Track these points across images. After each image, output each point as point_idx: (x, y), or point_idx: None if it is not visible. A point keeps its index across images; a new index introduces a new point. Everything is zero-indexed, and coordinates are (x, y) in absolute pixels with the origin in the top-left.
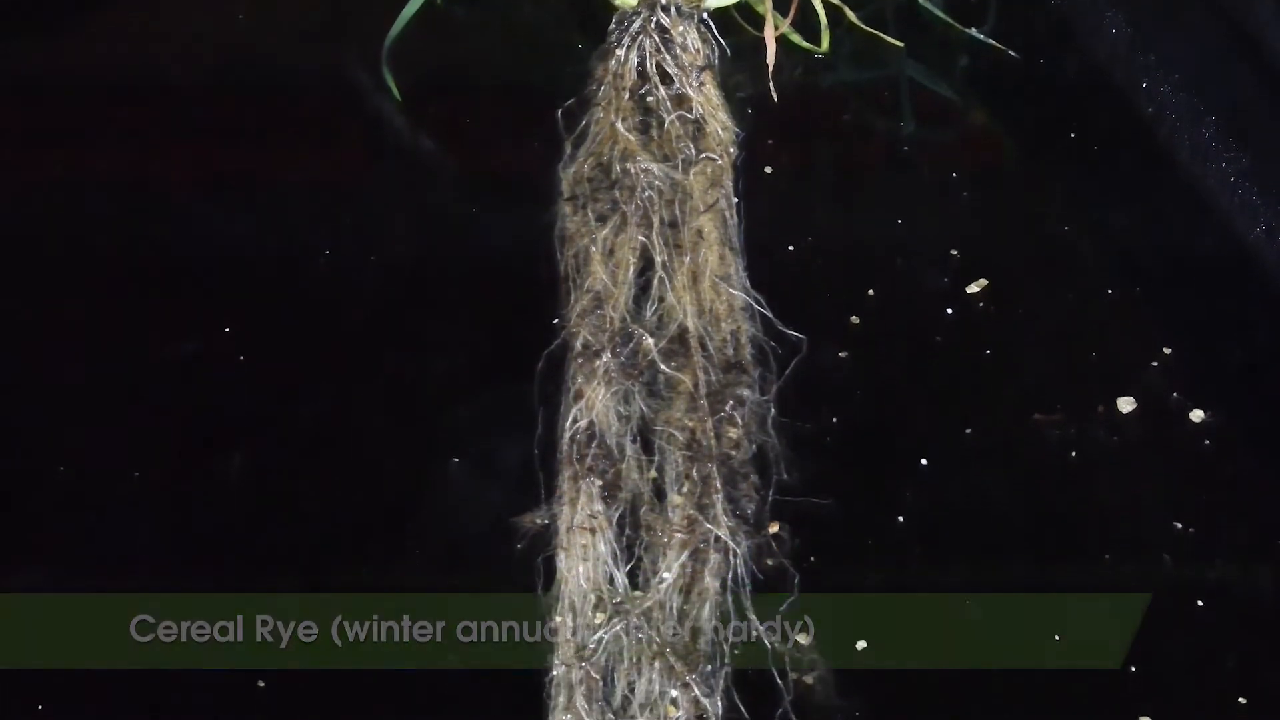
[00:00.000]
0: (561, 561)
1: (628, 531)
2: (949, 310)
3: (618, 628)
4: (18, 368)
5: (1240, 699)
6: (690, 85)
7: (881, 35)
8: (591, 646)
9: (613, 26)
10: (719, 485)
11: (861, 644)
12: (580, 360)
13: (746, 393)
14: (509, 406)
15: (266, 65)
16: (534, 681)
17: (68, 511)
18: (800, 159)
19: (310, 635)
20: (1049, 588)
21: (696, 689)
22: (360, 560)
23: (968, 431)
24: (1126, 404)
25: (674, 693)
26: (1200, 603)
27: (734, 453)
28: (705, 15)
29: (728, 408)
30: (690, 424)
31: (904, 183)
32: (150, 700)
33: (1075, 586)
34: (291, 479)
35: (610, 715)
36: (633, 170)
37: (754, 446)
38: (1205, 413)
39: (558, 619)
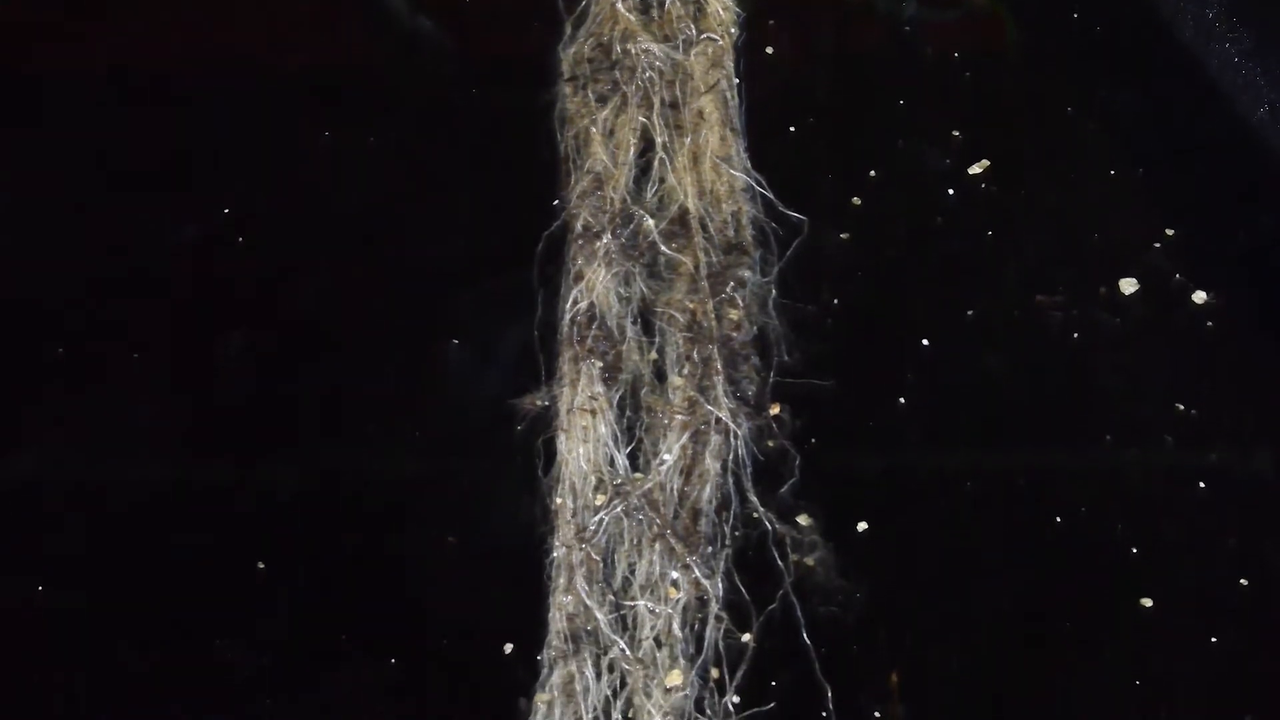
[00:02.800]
0: (562, 443)
1: (628, 413)
2: (950, 191)
3: (618, 509)
4: (21, 251)
5: (1242, 580)
6: None
7: None
8: (592, 528)
9: None
10: (720, 367)
11: (862, 525)
12: (580, 242)
13: (747, 274)
14: (508, 288)
15: None
16: (535, 563)
17: (68, 392)
18: (802, 40)
19: (309, 519)
20: (1049, 469)
21: (697, 570)
22: (360, 443)
23: (969, 313)
24: (1129, 285)
25: (674, 574)
26: (1202, 485)
27: (735, 334)
28: None
29: (729, 289)
30: (691, 305)
31: (906, 64)
32: (150, 580)
33: (1076, 468)
34: (291, 362)
35: (611, 597)
36: (633, 51)
37: (755, 328)
38: (1207, 294)
39: (558, 500)
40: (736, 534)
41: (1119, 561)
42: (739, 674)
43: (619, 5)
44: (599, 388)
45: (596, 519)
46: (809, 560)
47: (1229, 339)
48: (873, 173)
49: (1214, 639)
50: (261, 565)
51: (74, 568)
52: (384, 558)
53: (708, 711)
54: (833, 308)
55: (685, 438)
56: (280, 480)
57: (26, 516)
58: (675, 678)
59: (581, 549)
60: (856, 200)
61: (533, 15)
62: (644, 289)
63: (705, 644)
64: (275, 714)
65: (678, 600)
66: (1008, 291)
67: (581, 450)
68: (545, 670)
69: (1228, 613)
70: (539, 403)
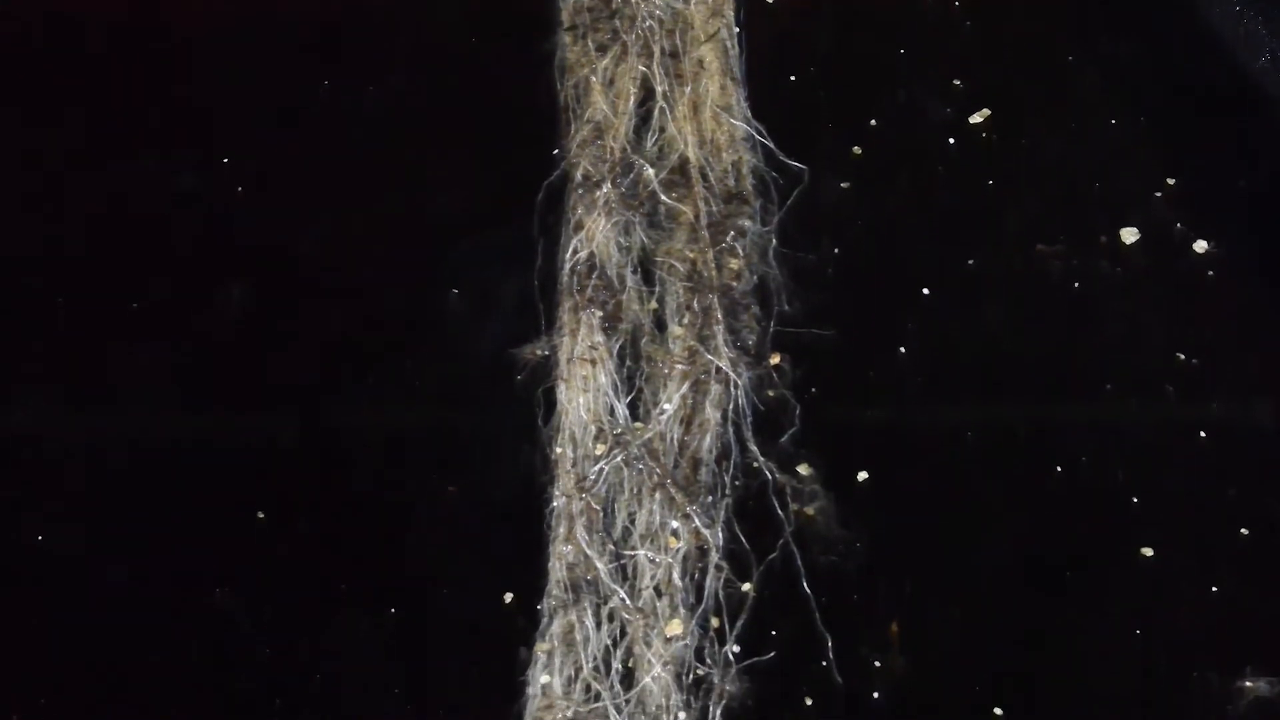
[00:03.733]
0: (562, 393)
1: (628, 363)
2: (951, 140)
3: (618, 459)
4: (20, 199)
5: (1242, 530)
6: None
7: None
8: (592, 478)
9: None
10: (720, 316)
11: (862, 475)
12: (580, 191)
13: (748, 223)
14: (508, 238)
15: None
16: (535, 513)
17: (67, 342)
18: None
19: (310, 469)
20: (1050, 418)
21: (697, 520)
22: (359, 392)
23: (970, 262)
24: (1130, 235)
25: (675, 524)
26: (1202, 434)
27: (735, 284)
28: None
29: (729, 238)
30: (691, 255)
31: (906, 12)
32: (150, 530)
33: (1076, 417)
34: (290, 313)
35: (611, 546)
36: (633, 0)
37: (755, 277)
38: (1209, 243)
39: (558, 450)
40: (737, 483)
41: (1120, 511)
42: (739, 623)
43: None
44: (599, 337)
45: (596, 468)
46: (809, 510)
47: (1230, 288)
48: (873, 122)
49: (1214, 588)
50: (261, 515)
51: (73, 518)
52: (384, 508)
53: (708, 660)
54: (833, 257)
55: (685, 387)
56: (280, 431)
57: (26, 467)
58: (675, 627)
59: (581, 498)
60: (857, 149)
61: None
62: (644, 238)
63: (705, 593)
64: (275, 663)
65: (678, 550)
66: (1008, 241)
67: (581, 400)
68: (545, 620)
69: (1228, 562)
70: (539, 352)
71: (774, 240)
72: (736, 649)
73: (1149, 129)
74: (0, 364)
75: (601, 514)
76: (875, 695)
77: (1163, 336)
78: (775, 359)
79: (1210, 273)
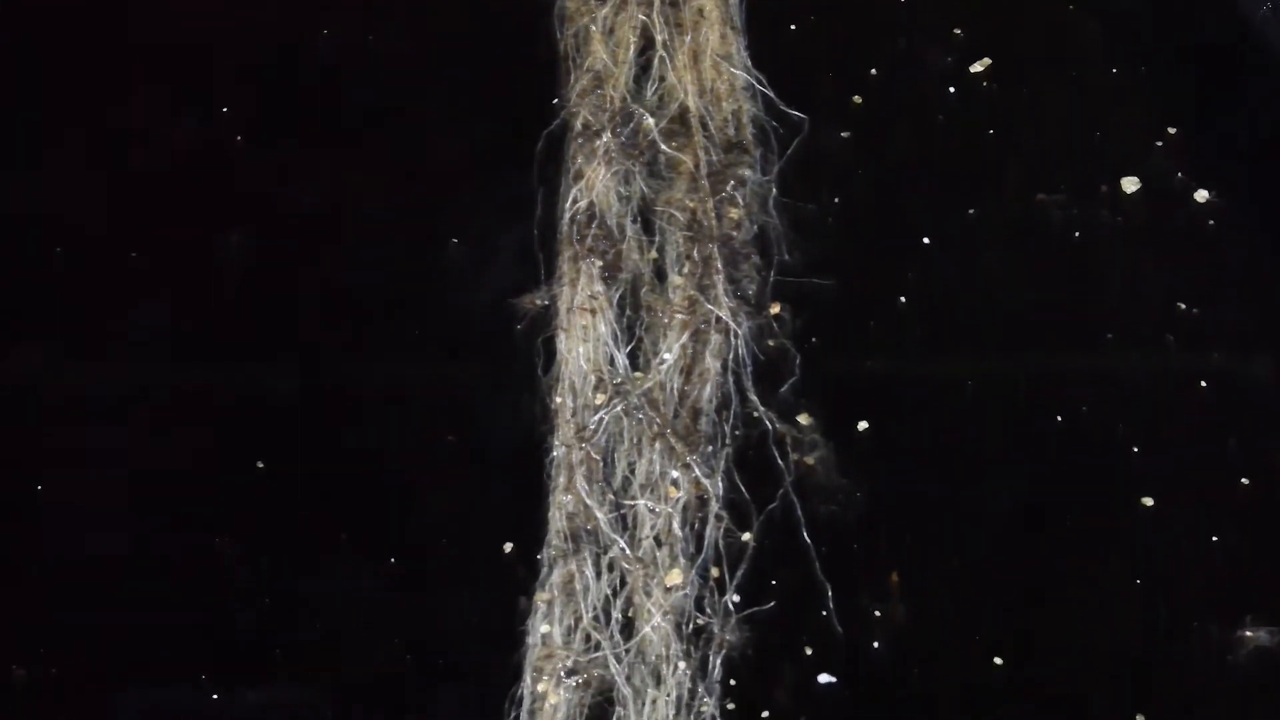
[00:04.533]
0: (561, 342)
1: (628, 312)
2: (952, 90)
3: (618, 409)
4: (16, 151)
5: (1243, 479)
6: None
7: None
8: (592, 427)
9: None
10: (720, 266)
11: (863, 424)
12: (580, 140)
13: (748, 173)
14: (508, 188)
15: None
16: (534, 462)
17: (66, 293)
18: None
19: (309, 419)
20: (1050, 367)
21: (697, 470)
22: (359, 342)
23: (970, 212)
24: (1130, 184)
25: (674, 473)
26: (1203, 384)
27: (735, 233)
28: None
29: (729, 188)
30: (691, 204)
31: None
32: (149, 479)
33: (1077, 367)
34: (290, 263)
35: (610, 496)
36: None
37: (755, 227)
38: (1209, 193)
39: (558, 400)
40: (737, 433)
41: (1120, 461)
42: (739, 573)
43: None
44: (599, 287)
45: (596, 418)
46: (809, 459)
47: (1231, 238)
48: (874, 71)
49: (1214, 538)
50: (261, 464)
51: (72, 468)
52: (383, 457)
53: (708, 610)
54: (833, 206)
55: (685, 337)
56: (279, 380)
57: (25, 419)
58: (675, 577)
59: (581, 448)
60: (857, 99)
61: None
62: (644, 188)
63: (705, 543)
64: (273, 612)
65: (678, 499)
66: (1009, 190)
67: (581, 349)
68: (545, 569)
69: (1228, 512)
70: (538, 302)
71: (774, 189)
72: (736, 598)
73: (1150, 78)
74: (2, 313)
75: (601, 464)
76: (875, 645)
77: (1163, 286)
78: (775, 308)
79: (1211, 222)
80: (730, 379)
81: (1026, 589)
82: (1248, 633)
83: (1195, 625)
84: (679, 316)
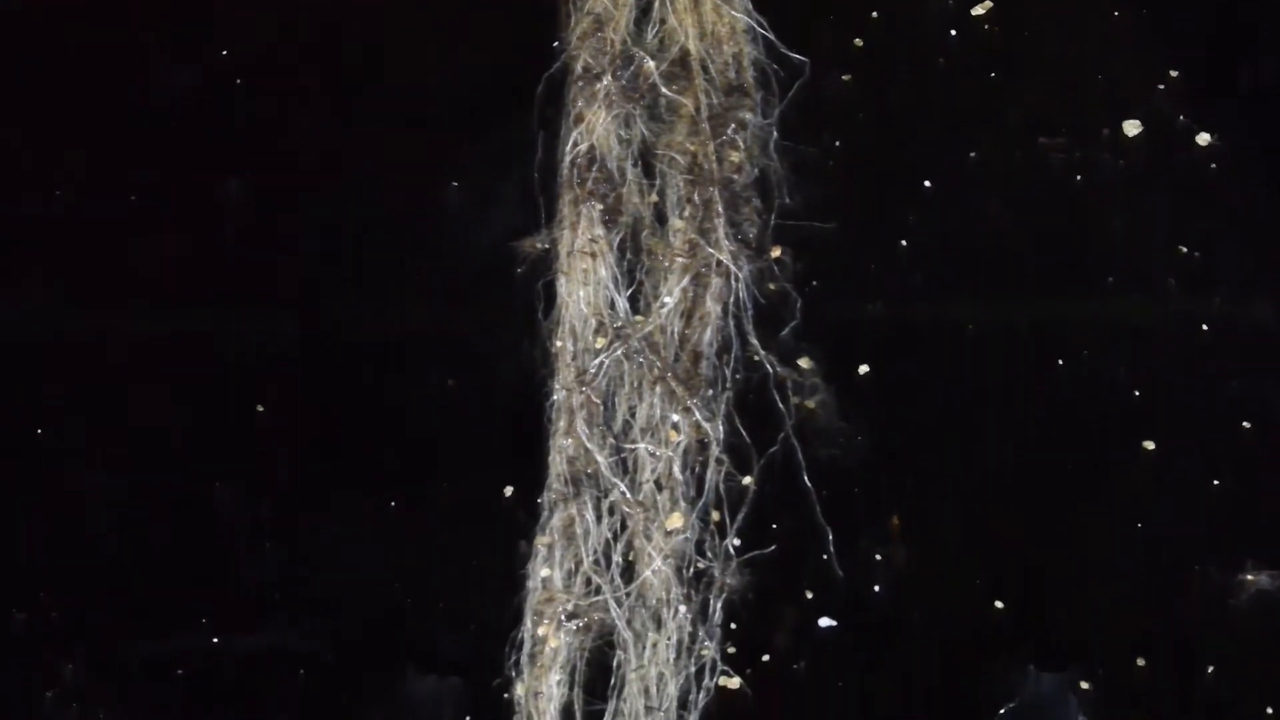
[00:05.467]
0: (562, 286)
1: (628, 256)
2: (953, 32)
3: (618, 352)
4: (18, 96)
5: (1244, 423)
6: None
7: None
8: (592, 371)
9: None
10: (721, 209)
11: (864, 368)
12: (581, 84)
13: (749, 116)
14: (508, 131)
15: None
16: (535, 406)
17: (67, 238)
18: None
19: (310, 363)
20: (1051, 311)
21: (698, 413)
22: (359, 286)
23: (971, 155)
24: (1132, 127)
25: (675, 417)
26: (1204, 327)
27: (736, 176)
28: None
29: (730, 131)
30: (692, 148)
31: None
32: (149, 424)
33: (1078, 310)
34: (290, 208)
35: (611, 440)
36: None
37: (756, 170)
38: (1211, 136)
39: (558, 344)
40: (737, 377)
41: (1121, 405)
42: (740, 517)
43: None
44: (599, 230)
45: (597, 362)
46: (810, 403)
47: (1232, 181)
48: (874, 14)
49: (1215, 482)
50: (261, 409)
51: (74, 412)
52: (384, 402)
53: (708, 554)
54: (834, 150)
55: (686, 280)
56: (280, 325)
57: (26, 363)
58: (676, 520)
59: (582, 392)
60: (858, 41)
61: None
62: (644, 131)
63: (706, 487)
64: (274, 556)
65: (678, 443)
66: (1010, 134)
67: (581, 293)
68: (545, 513)
69: (1229, 456)
70: (539, 245)
71: (775, 133)
72: (737, 542)
73: (1152, 21)
74: (1, 260)
75: (601, 407)
76: (876, 588)
77: (1165, 230)
78: (776, 252)
79: (1213, 166)
80: (731, 323)
81: (1027, 533)
82: (1248, 576)
83: (1196, 569)
84: (679, 260)
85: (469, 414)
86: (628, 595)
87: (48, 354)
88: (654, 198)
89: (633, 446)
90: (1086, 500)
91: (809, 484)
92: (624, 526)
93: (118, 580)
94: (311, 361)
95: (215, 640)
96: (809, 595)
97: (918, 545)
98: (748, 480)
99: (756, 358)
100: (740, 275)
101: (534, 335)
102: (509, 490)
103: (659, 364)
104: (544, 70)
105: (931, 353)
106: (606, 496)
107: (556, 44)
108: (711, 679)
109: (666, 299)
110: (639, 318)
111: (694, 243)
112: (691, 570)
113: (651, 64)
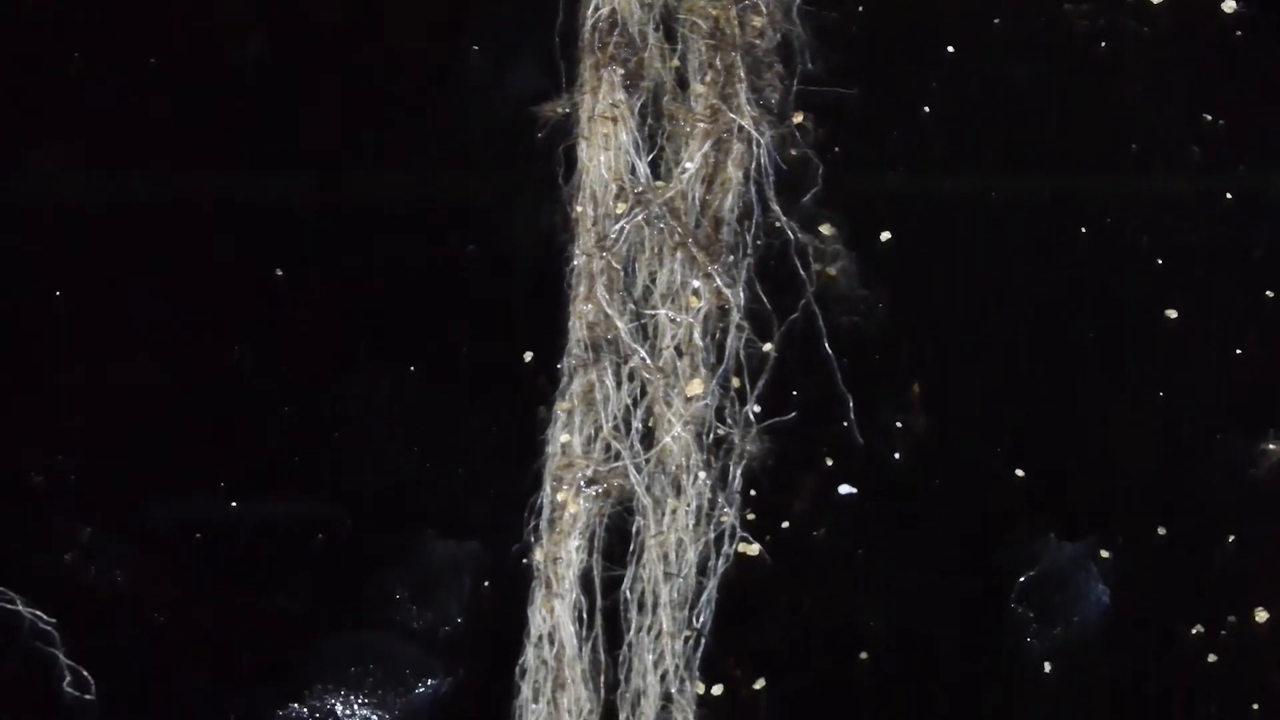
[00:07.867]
0: (582, 151)
1: (649, 121)
2: None
3: (639, 217)
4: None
5: (1268, 292)
6: None
7: None
8: (613, 236)
9: None
10: (743, 74)
11: (885, 235)
12: None
13: None
14: None
15: None
16: (555, 271)
17: (82, 100)
18: None
19: (329, 228)
20: (1074, 179)
21: (719, 279)
22: (379, 151)
23: (995, 21)
24: None
25: (696, 283)
26: (1229, 196)
27: (758, 41)
28: None
29: None
30: (714, 12)
31: None
32: (167, 287)
33: (1101, 179)
34: (309, 74)
35: (631, 305)
36: None
37: (779, 35)
38: (1237, 2)
39: (578, 209)
40: (758, 243)
41: (1143, 273)
42: (760, 383)
43: None
44: (620, 95)
45: (617, 227)
46: (831, 270)
47: (1258, 49)
48: None
49: (1238, 350)
50: (280, 273)
51: (92, 275)
52: (404, 265)
53: (728, 420)
54: (857, 15)
55: (707, 146)
56: (299, 189)
57: (41, 227)
58: (696, 387)
59: (602, 257)
60: None
61: None
62: None
63: (726, 353)
64: (293, 419)
65: (699, 309)
66: None
67: (602, 158)
68: (565, 379)
69: (1252, 324)
70: (559, 110)
71: None
72: (757, 409)
73: None
74: (16, 124)
75: (622, 273)
76: (896, 456)
77: (1189, 97)
78: (798, 118)
79: (1239, 33)
80: (752, 188)
81: (1049, 400)
82: (1270, 445)
83: (1218, 438)
84: (701, 125)
85: (488, 279)
86: (647, 461)
87: (63, 217)
88: (675, 62)
89: (653, 312)
90: (1108, 369)
91: (829, 351)
92: (644, 392)
93: (136, 444)
94: (331, 227)
95: (234, 504)
96: (829, 462)
97: (938, 413)
98: (768, 347)
99: (778, 224)
100: (762, 141)
101: (554, 200)
102: (529, 355)
103: (680, 229)
104: None
105: (953, 220)
106: (626, 362)
107: None
108: (730, 545)
109: (688, 164)
110: (660, 183)
111: (715, 108)
112: (711, 436)
113: None
